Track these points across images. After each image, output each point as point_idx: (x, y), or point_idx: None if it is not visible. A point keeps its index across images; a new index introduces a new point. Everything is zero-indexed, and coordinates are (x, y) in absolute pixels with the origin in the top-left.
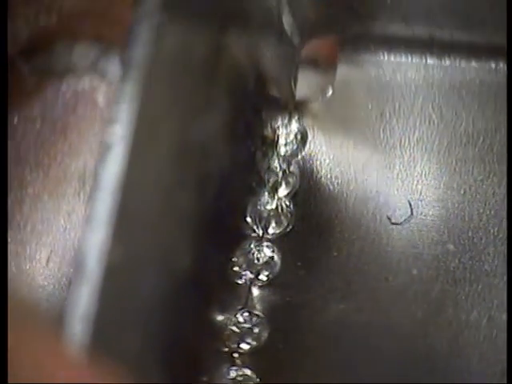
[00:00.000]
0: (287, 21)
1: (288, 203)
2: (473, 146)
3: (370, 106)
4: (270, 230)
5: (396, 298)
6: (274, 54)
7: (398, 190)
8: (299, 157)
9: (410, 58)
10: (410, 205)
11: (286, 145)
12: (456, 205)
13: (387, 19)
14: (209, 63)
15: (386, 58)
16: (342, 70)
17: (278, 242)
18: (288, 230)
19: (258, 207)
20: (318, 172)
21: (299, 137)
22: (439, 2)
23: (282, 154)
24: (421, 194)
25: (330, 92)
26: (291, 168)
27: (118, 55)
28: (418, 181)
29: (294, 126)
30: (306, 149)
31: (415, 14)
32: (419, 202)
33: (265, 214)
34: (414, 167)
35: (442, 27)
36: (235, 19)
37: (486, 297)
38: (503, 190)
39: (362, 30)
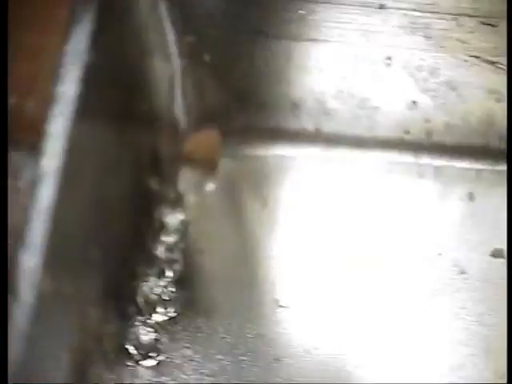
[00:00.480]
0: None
1: (173, 289)
2: None
3: (253, 197)
4: (156, 315)
5: (286, 376)
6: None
7: (285, 273)
8: (182, 245)
9: (296, 151)
10: None
11: (169, 234)
12: None
13: (275, 110)
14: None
15: (271, 150)
16: (227, 163)
17: (165, 325)
18: (174, 314)
19: (146, 292)
20: (202, 258)
21: (182, 227)
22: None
23: (166, 242)
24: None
25: (212, 185)
26: (175, 256)
27: None
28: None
29: (178, 216)
30: (190, 238)
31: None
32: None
33: (151, 299)
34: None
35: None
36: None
37: None
38: None
39: (247, 121)
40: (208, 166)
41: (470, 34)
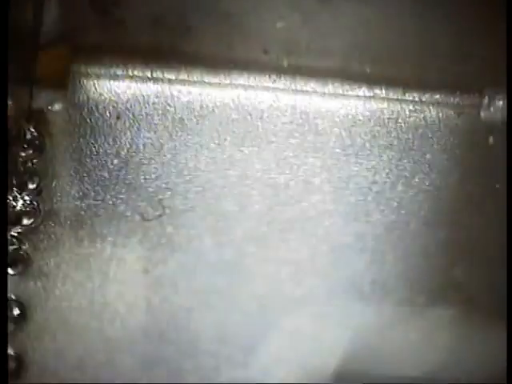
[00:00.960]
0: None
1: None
2: None
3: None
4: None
5: None
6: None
7: None
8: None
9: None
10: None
11: (25, 149)
12: None
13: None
14: None
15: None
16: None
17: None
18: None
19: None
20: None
21: (37, 142)
22: None
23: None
24: None
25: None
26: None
27: None
28: None
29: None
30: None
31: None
32: None
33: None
34: None
35: None
36: None
37: None
38: None
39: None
40: (58, 85)
41: None
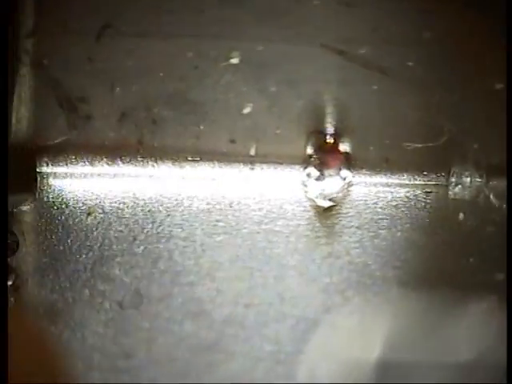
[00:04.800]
0: None
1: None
2: None
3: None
4: None
5: None
6: None
7: None
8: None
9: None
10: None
11: None
12: None
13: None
14: None
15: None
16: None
17: None
18: None
19: None
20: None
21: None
22: None
23: None
24: None
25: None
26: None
27: None
28: None
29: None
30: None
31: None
32: None
33: None
34: None
35: None
36: None
37: None
38: None
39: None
40: (25, 186)
41: None
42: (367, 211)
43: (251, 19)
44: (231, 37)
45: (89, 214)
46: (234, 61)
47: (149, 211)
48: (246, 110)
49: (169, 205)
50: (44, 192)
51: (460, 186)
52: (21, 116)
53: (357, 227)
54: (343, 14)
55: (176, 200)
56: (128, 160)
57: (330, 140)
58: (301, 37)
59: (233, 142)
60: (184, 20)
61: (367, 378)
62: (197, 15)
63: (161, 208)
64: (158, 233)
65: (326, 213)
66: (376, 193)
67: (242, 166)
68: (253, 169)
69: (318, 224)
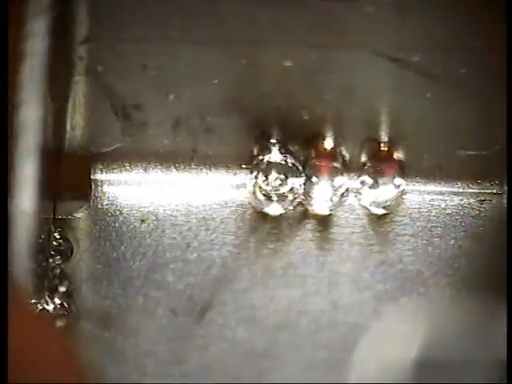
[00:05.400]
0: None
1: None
2: None
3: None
4: None
5: None
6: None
7: None
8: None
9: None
10: None
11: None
12: None
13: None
14: None
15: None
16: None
17: None
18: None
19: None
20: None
21: (62, 248)
22: None
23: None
24: None
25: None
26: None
27: None
28: None
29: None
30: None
31: None
32: None
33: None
34: None
35: None
36: None
37: None
38: None
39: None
40: (80, 194)
41: None
42: (421, 219)
43: (305, 26)
44: (285, 43)
45: (142, 221)
46: (288, 67)
47: (202, 218)
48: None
49: (222, 212)
50: (98, 199)
51: None
52: (75, 123)
53: (410, 235)
54: (396, 20)
55: (230, 207)
56: (182, 167)
57: (384, 148)
58: (354, 44)
59: None
60: (237, 27)
61: None
62: (250, 22)
63: (214, 215)
64: (212, 240)
65: (380, 220)
66: (429, 201)
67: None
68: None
69: (371, 232)
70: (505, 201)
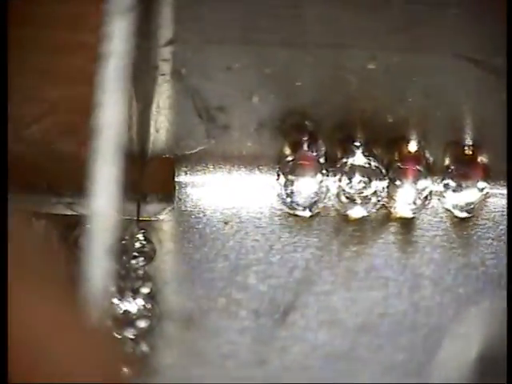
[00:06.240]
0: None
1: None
2: None
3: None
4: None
5: None
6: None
7: None
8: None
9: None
10: None
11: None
12: None
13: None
14: None
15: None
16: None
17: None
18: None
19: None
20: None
21: (146, 249)
22: None
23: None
24: None
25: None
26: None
27: None
28: None
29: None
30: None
31: None
32: None
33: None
34: None
35: None
36: None
37: None
38: None
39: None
40: (164, 196)
41: None
42: (504, 222)
43: (388, 28)
44: (369, 46)
45: (225, 223)
46: (372, 70)
47: (286, 221)
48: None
49: (306, 214)
50: (182, 201)
51: None
52: (159, 126)
53: (493, 238)
54: (476, 23)
55: (313, 210)
56: (265, 170)
57: (468, 151)
58: (436, 47)
59: None
60: (321, 29)
61: None
62: (334, 24)
63: (298, 218)
64: (295, 242)
65: (463, 224)
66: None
67: None
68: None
69: (453, 235)
70: None
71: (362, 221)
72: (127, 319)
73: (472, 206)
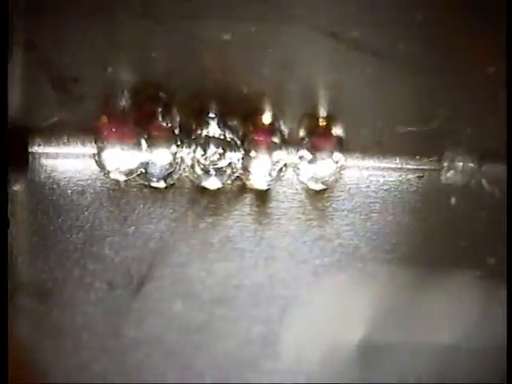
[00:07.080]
0: None
1: None
2: None
3: None
4: None
5: None
6: None
7: None
8: None
9: None
10: None
11: None
12: None
13: None
14: None
15: None
16: None
17: None
18: None
19: None
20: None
21: None
22: None
23: None
24: None
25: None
26: None
27: None
28: None
29: None
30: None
31: None
32: None
33: None
34: None
35: None
36: None
37: None
38: None
39: None
40: (17, 166)
41: None
42: (359, 194)
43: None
44: (224, 17)
45: (80, 194)
46: (226, 41)
47: (141, 192)
48: None
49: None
50: (35, 172)
51: (452, 171)
52: (13, 99)
53: (348, 210)
54: None
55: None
56: None
57: (322, 123)
58: (293, 19)
59: None
60: (176, 0)
61: (347, 361)
62: None
63: (152, 189)
64: (150, 213)
65: (318, 196)
66: (368, 176)
67: None
68: None
69: (309, 207)
70: (442, 177)
71: (217, 192)
72: None
73: (327, 178)
